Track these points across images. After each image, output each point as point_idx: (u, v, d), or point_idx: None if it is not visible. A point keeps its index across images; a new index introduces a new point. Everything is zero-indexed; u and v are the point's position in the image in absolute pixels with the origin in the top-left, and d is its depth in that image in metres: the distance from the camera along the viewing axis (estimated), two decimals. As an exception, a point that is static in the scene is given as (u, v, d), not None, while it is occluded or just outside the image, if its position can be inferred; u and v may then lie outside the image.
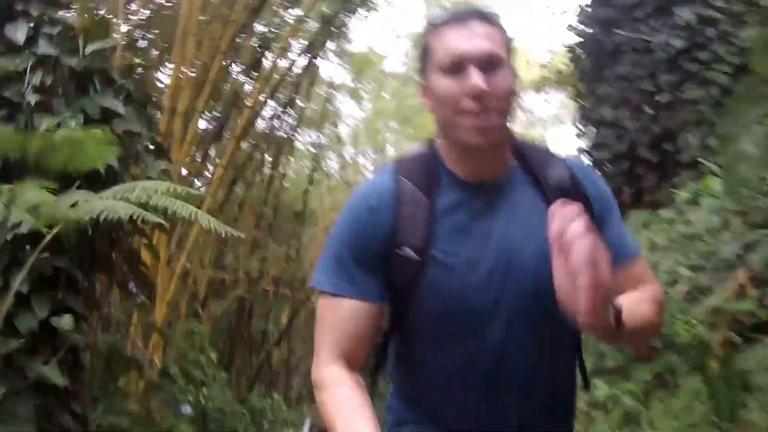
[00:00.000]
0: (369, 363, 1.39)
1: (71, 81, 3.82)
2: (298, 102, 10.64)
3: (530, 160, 1.32)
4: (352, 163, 15.16)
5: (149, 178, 3.99)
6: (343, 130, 14.26)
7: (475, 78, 1.17)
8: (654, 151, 6.14)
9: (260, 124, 9.90)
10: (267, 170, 10.59)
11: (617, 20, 6.39)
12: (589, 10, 6.75)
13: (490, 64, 1.19)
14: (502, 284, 1.24)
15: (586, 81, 7.24)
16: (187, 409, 6.14)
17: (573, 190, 1.28)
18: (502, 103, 1.21)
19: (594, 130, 6.99)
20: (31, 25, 3.88)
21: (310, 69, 10.21)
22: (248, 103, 8.13)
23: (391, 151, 14.82)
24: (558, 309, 1.12)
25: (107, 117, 3.81)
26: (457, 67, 1.19)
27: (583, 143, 7.37)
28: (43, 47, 3.75)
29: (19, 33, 3.81)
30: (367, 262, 1.25)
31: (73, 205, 3.12)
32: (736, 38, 5.72)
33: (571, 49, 7.57)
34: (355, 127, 14.65)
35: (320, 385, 1.23)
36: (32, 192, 3.05)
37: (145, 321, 5.20)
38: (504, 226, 1.27)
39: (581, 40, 7.16)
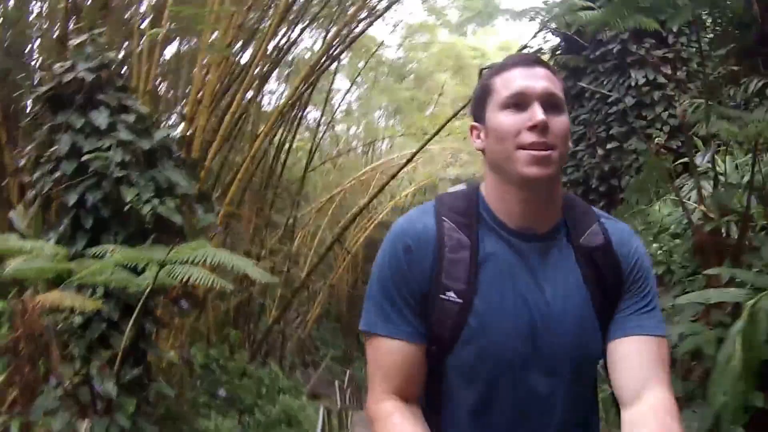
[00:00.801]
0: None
1: (144, 158, 5.23)
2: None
3: (573, 217, 1.39)
4: (343, 141, 16.42)
5: (202, 228, 5.50)
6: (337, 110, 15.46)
7: (539, 111, 1.26)
8: (603, 183, 7.65)
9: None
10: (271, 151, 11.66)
11: (583, 69, 7.79)
12: (560, 56, 8.13)
13: (551, 104, 1.29)
14: (538, 339, 1.30)
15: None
16: (222, 393, 7.87)
17: (602, 258, 1.35)
18: (561, 142, 1.29)
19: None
20: (110, 113, 5.24)
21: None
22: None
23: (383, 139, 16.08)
24: (586, 357, 1.32)
25: (171, 186, 5.25)
26: (520, 102, 1.28)
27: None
28: (123, 134, 5.13)
29: (101, 119, 5.18)
30: (409, 303, 1.31)
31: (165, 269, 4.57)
32: (676, 102, 7.15)
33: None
34: (348, 108, 15.85)
35: (375, 417, 1.30)
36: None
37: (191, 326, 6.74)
38: (544, 281, 1.32)
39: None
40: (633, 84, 7.38)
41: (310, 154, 12.76)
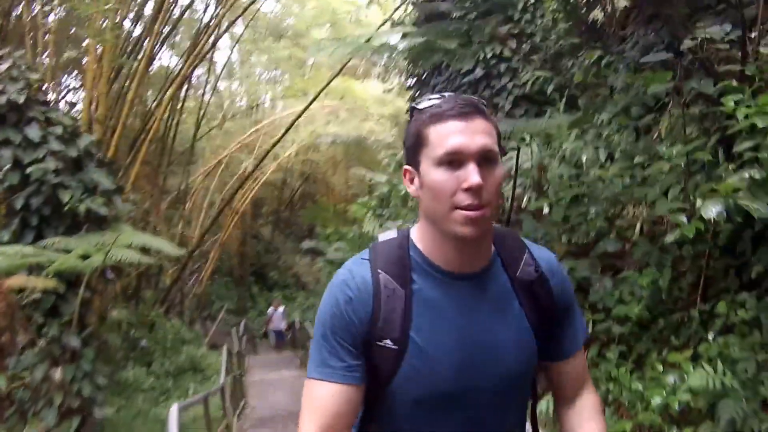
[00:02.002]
0: None
1: (72, 163, 7.03)
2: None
3: (507, 251, 1.58)
4: (228, 103, 18.04)
5: (120, 216, 7.42)
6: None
7: (474, 173, 1.35)
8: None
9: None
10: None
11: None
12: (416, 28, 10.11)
13: (486, 159, 1.38)
14: (477, 372, 1.49)
15: (417, 85, 10.88)
16: (144, 344, 9.87)
17: (537, 285, 1.56)
18: (494, 197, 1.41)
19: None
20: (39, 127, 6.96)
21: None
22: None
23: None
24: (520, 384, 1.58)
25: (96, 185, 7.09)
26: (455, 160, 1.37)
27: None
28: (54, 144, 6.90)
29: (33, 134, 6.91)
30: (347, 347, 1.46)
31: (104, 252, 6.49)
32: (521, 74, 8.92)
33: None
34: (231, 70, 17.38)
35: None
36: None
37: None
38: (480, 317, 1.50)
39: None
40: (481, 57, 9.19)
41: (197, 120, 14.41)
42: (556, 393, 1.69)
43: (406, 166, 1.53)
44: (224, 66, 15.50)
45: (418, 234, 1.55)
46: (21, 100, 6.84)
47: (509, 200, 6.28)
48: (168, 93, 11.55)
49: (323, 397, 1.45)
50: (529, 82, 8.38)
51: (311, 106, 13.82)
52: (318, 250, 14.15)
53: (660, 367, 4.29)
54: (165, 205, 14.20)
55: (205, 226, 14.80)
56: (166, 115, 11.66)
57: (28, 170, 6.66)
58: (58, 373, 6.32)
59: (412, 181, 1.50)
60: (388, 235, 1.60)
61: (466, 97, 1.47)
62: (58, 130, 7.01)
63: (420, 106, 1.47)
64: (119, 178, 8.69)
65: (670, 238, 4.13)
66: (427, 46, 7.98)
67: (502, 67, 9.29)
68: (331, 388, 1.44)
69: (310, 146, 16.66)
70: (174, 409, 5.35)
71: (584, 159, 6.09)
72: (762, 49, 4.37)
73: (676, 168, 4.49)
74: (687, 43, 4.50)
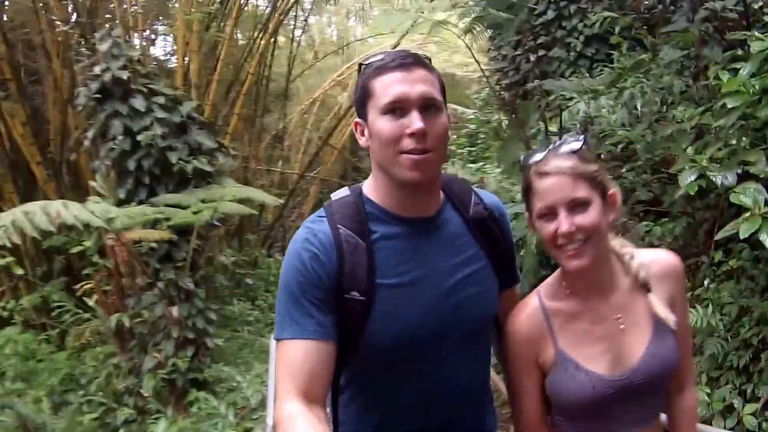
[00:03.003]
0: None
1: (177, 127, 8.45)
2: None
3: (455, 194, 1.85)
4: (319, 43, 19.13)
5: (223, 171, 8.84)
6: None
7: (417, 119, 1.58)
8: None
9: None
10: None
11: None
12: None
13: (429, 107, 1.62)
14: (447, 317, 1.73)
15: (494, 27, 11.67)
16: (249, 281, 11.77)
17: (490, 221, 1.86)
18: (439, 143, 1.63)
19: (500, 64, 11.60)
20: (144, 98, 8.38)
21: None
22: None
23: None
24: (484, 320, 1.86)
25: (200, 145, 8.50)
26: (398, 109, 1.60)
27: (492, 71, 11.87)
28: (158, 113, 8.31)
29: (139, 104, 8.33)
30: (316, 304, 1.63)
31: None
32: (590, 14, 9.59)
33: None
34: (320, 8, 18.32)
35: (278, 422, 1.54)
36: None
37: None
38: (440, 258, 1.74)
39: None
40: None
41: (290, 61, 15.62)
42: (501, 318, 1.96)
43: (357, 120, 1.74)
44: (313, 3, 16.47)
45: (370, 186, 1.77)
46: (124, 76, 8.24)
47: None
48: (261, 41, 12.81)
49: (298, 356, 1.57)
50: (597, 23, 9.06)
51: (401, 41, 14.60)
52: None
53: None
54: (264, 146, 15.71)
55: (304, 163, 16.18)
56: (259, 61, 12.90)
57: (138, 137, 8.12)
58: (174, 311, 7.90)
59: (362, 133, 1.71)
60: (341, 193, 1.80)
61: (408, 51, 1.68)
62: (161, 99, 8.40)
63: (367, 62, 1.70)
64: (220, 135, 10.12)
65: (677, 193, 5.00)
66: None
67: (572, 8, 10.18)
68: (305, 345, 1.57)
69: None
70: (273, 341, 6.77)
71: (639, 105, 6.85)
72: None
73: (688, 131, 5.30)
74: (701, 13, 5.23)
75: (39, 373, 9.55)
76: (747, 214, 3.65)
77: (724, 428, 4.29)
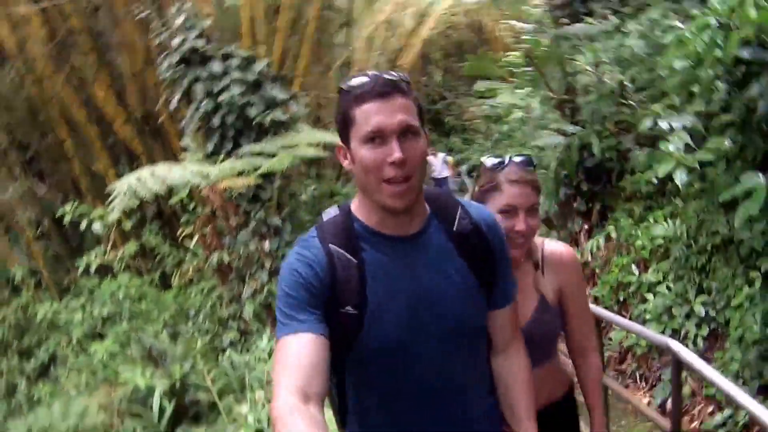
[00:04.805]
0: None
1: (252, 85, 10.84)
2: None
3: (441, 210, 2.10)
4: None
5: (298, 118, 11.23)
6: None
7: (396, 149, 1.82)
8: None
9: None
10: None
11: None
12: None
13: (407, 132, 1.86)
14: (428, 323, 2.00)
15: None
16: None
17: (474, 237, 2.07)
18: (417, 167, 1.88)
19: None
20: (220, 62, 10.76)
21: None
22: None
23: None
24: (474, 336, 2.11)
25: (274, 98, 10.87)
26: (378, 137, 1.84)
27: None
28: (235, 74, 10.67)
29: (216, 68, 10.71)
30: (311, 305, 1.88)
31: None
32: None
33: None
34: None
35: (274, 419, 1.66)
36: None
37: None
38: (425, 274, 2.01)
39: None
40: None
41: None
42: (493, 340, 2.24)
43: (339, 144, 1.98)
44: None
45: (357, 206, 2.04)
46: (200, 44, 10.65)
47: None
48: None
49: (295, 350, 1.79)
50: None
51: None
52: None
53: (652, 220, 7.45)
54: (332, 74, 17.99)
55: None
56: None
57: (219, 98, 10.57)
58: (266, 245, 10.51)
59: (345, 156, 1.96)
60: (330, 213, 2.09)
61: (386, 77, 1.90)
62: (235, 61, 10.77)
63: (345, 87, 1.93)
64: (290, 84, 12.51)
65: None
66: None
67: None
68: (302, 339, 1.80)
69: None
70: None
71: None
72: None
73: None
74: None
75: (151, 311, 12.37)
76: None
77: (681, 315, 6.53)
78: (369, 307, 1.97)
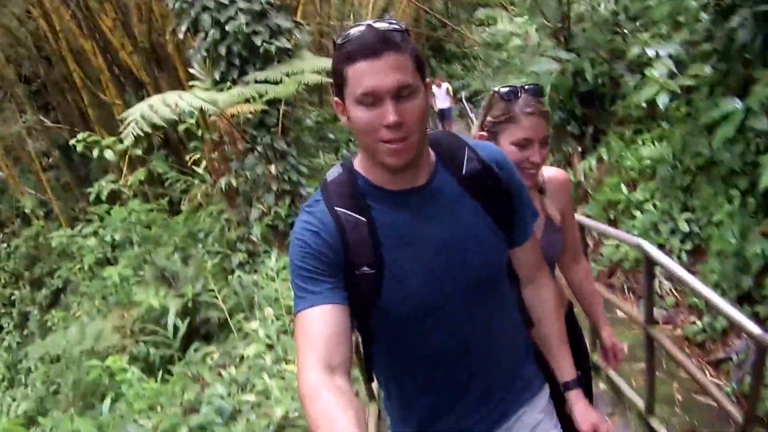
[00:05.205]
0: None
1: (257, 13, 11.15)
2: None
3: (446, 154, 2.00)
4: None
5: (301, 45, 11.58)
6: None
7: (391, 112, 1.74)
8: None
9: None
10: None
11: None
12: None
13: (403, 93, 1.76)
14: (450, 277, 1.93)
15: None
16: (332, 136, 14.82)
17: (485, 176, 1.99)
18: (417, 126, 1.80)
19: None
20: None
21: None
22: None
23: None
24: (496, 281, 2.05)
25: (279, 26, 11.18)
26: (373, 100, 1.75)
27: None
28: (240, 3, 11.00)
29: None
30: (325, 275, 1.84)
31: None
32: None
33: None
34: None
35: (302, 396, 1.69)
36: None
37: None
38: (438, 225, 1.93)
39: None
40: None
41: None
42: (519, 273, 2.24)
43: (336, 99, 1.89)
44: None
45: (360, 162, 1.98)
46: (207, -26, 10.99)
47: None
48: None
49: (314, 323, 1.78)
50: None
51: None
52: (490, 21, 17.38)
53: (640, 143, 7.91)
54: (334, 2, 18.26)
55: (375, 14, 18.71)
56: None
57: (226, 27, 10.89)
58: (272, 168, 10.96)
59: (342, 112, 1.88)
60: (334, 172, 2.02)
61: (381, 30, 1.77)
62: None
63: (338, 41, 1.83)
64: (294, 14, 12.79)
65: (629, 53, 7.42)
66: None
67: None
68: (320, 311, 1.79)
69: None
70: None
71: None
72: None
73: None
74: None
75: (161, 236, 12.83)
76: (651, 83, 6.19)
77: (666, 231, 7.04)
78: (386, 266, 1.91)
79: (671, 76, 6.21)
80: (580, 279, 3.04)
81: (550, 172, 2.83)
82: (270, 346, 7.30)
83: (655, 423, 4.60)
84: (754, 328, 3.42)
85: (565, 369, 2.29)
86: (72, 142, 12.25)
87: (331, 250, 1.87)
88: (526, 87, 2.56)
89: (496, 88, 2.60)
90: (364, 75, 1.76)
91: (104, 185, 13.05)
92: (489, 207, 2.00)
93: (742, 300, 5.79)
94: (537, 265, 2.27)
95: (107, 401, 6.94)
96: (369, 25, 1.80)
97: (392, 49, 1.77)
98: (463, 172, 2.00)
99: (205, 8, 10.91)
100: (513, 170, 2.09)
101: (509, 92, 2.54)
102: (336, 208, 1.91)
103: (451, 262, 1.95)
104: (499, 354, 2.14)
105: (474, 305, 2.01)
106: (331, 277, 1.86)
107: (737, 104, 5.46)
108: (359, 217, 1.90)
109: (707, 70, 6.01)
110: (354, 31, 1.81)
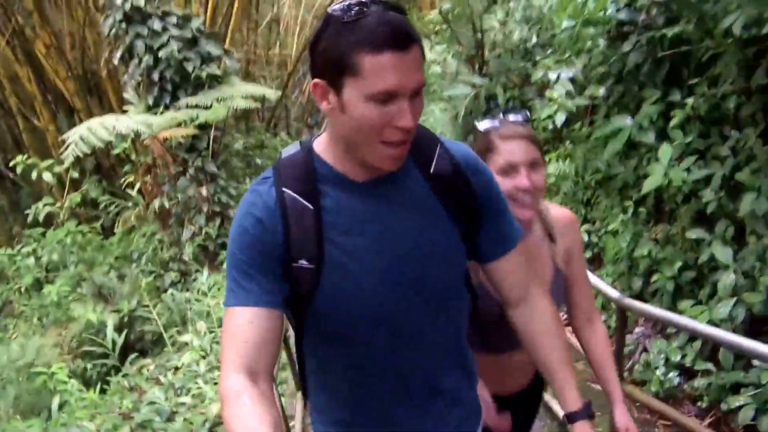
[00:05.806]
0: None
1: (189, 40, 11.62)
2: None
3: (418, 149, 1.76)
4: None
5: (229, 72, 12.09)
6: None
7: (409, 114, 1.56)
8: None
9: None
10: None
11: None
12: None
13: (416, 93, 1.58)
14: (403, 283, 1.74)
15: None
16: (259, 162, 15.41)
17: (455, 179, 1.79)
18: (416, 123, 1.62)
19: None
20: (159, 19, 11.54)
21: None
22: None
23: None
24: (451, 285, 1.84)
25: (209, 53, 11.66)
26: (389, 98, 1.54)
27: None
28: (173, 31, 11.39)
29: (155, 26, 11.44)
30: (261, 271, 1.68)
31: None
32: None
33: None
34: None
35: (222, 399, 1.59)
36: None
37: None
38: (398, 222, 1.74)
39: None
40: None
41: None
42: (502, 295, 2.01)
43: (319, 81, 1.59)
44: None
45: (324, 147, 1.76)
46: (141, 3, 11.35)
47: None
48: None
49: (242, 324, 1.64)
50: None
51: None
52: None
53: (547, 160, 8.58)
54: (261, 31, 18.78)
55: (301, 44, 19.28)
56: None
57: (159, 53, 11.32)
58: (203, 191, 11.39)
59: (325, 98, 1.60)
60: (290, 149, 1.80)
61: (397, 18, 1.53)
62: (173, 19, 11.44)
63: (346, 18, 1.50)
64: (222, 40, 13.29)
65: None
66: None
67: None
68: (250, 313, 1.64)
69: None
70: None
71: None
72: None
73: None
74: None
75: (96, 257, 12.99)
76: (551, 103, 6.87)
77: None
78: (326, 260, 1.72)
79: (569, 96, 6.87)
80: (595, 343, 2.63)
81: (556, 211, 2.59)
82: (203, 356, 7.63)
83: None
84: (613, 293, 3.88)
85: (569, 397, 2.00)
86: (12, 164, 12.45)
87: (271, 237, 1.70)
88: (505, 114, 2.39)
89: (477, 123, 2.45)
90: (389, 70, 1.52)
91: (41, 207, 13.21)
92: (453, 211, 1.81)
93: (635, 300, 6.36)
94: (527, 279, 2.00)
95: (56, 400, 7.21)
96: (383, 2, 1.57)
97: (416, 42, 1.57)
98: (431, 170, 1.81)
99: (138, 35, 11.32)
100: (488, 177, 1.90)
101: (485, 123, 2.39)
102: (284, 189, 1.72)
103: (407, 268, 1.77)
104: (448, 369, 1.97)
105: (432, 319, 1.85)
106: (266, 273, 1.70)
107: (628, 121, 6.10)
108: (306, 203, 1.71)
109: (602, 91, 6.68)
110: (361, 7, 1.53)
